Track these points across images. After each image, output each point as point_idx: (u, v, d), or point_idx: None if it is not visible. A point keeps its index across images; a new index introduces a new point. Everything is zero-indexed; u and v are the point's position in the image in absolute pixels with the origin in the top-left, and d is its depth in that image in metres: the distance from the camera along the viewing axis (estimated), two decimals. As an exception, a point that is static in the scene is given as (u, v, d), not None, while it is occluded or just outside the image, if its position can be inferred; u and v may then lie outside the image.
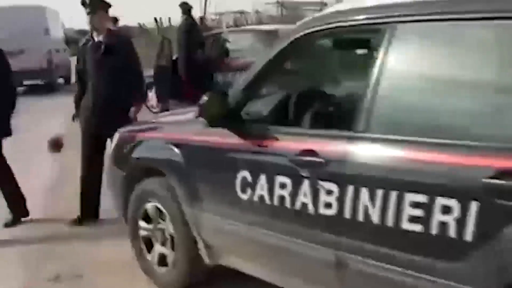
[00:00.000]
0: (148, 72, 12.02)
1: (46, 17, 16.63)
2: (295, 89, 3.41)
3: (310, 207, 2.89)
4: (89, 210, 5.42)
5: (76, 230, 5.26)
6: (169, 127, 3.98)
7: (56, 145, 5.55)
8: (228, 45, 11.24)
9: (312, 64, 3.87)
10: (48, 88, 15.84)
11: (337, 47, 3.50)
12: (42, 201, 6.11)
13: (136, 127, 4.39)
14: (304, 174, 2.91)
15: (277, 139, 3.11)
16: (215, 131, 3.38)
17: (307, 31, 3.08)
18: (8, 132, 5.34)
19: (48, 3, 17.44)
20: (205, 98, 3.22)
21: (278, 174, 3.04)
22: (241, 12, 29.24)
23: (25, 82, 15.57)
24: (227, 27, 14.18)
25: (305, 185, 2.91)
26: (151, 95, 11.70)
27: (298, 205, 2.95)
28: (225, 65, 10.98)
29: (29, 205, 5.55)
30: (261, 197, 3.13)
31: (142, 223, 4.08)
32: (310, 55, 3.51)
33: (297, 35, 3.11)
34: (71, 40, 18.88)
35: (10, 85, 5.33)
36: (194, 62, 10.85)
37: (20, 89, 15.70)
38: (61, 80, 17.71)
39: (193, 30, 11.07)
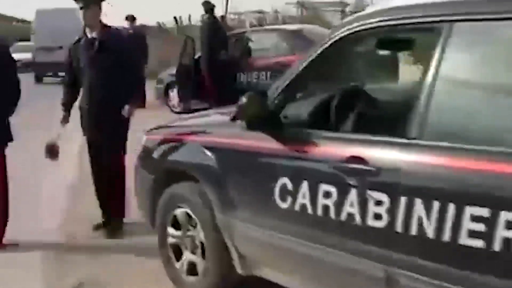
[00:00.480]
0: (169, 71, 11.91)
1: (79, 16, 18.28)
2: (338, 91, 3.20)
3: (358, 218, 2.70)
4: (109, 213, 5.18)
5: (100, 236, 5.09)
6: (201, 129, 3.79)
7: (51, 152, 5.11)
8: (251, 44, 11.06)
9: (357, 64, 3.65)
10: None
11: (386, 46, 3.30)
12: (65, 204, 5.96)
13: (165, 129, 4.21)
14: (351, 183, 2.72)
15: (320, 145, 2.92)
16: (253, 135, 3.18)
17: (352, 30, 2.88)
18: (9, 137, 4.83)
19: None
20: (244, 99, 3.03)
21: (322, 182, 2.84)
22: (260, 12, 29.09)
23: (60, 74, 17.76)
24: (251, 26, 13.96)
25: (352, 195, 2.72)
26: (173, 94, 11.58)
27: (343, 215, 2.76)
28: (248, 64, 10.79)
29: (51, 209, 5.36)
30: (303, 206, 2.93)
31: (170, 230, 3.90)
32: (355, 54, 3.31)
33: (341, 34, 2.92)
34: None
35: (11, 82, 4.78)
36: (217, 61, 10.68)
37: (58, 79, 17.88)
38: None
39: (216, 29, 10.89)
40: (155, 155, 4.02)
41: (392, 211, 2.55)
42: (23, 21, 48.50)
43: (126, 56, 5.00)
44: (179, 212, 3.81)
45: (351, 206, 2.73)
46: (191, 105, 11.46)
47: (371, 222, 2.64)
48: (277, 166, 3.10)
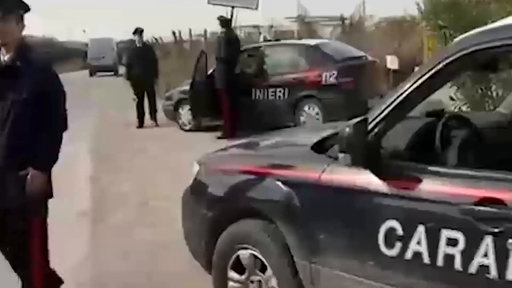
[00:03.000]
0: (179, 88, 11.47)
1: (113, 42, 37.47)
2: (458, 120, 2.76)
3: (494, 271, 2.28)
4: None
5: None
6: (272, 161, 3.33)
7: None
8: (266, 59, 10.64)
9: (482, 88, 3.23)
10: (113, 75, 33.96)
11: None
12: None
13: (224, 158, 3.76)
14: (485, 229, 2.30)
15: (438, 183, 2.50)
16: (349, 170, 2.74)
17: (476, 48, 2.46)
18: None
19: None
20: (348, 129, 2.58)
21: (445, 228, 2.42)
22: (255, 27, 28.76)
23: (99, 74, 35.20)
24: (265, 41, 13.49)
25: (487, 243, 2.30)
26: (183, 112, 11.11)
27: (474, 267, 2.34)
28: (264, 80, 10.37)
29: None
30: (417, 255, 2.51)
31: (232, 273, 3.44)
32: (480, 77, 2.89)
33: (462, 52, 2.49)
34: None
35: None
36: (234, 77, 10.25)
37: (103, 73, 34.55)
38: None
39: (233, 44, 10.45)
40: (213, 189, 3.57)
41: (543, 265, 2.15)
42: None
43: (42, 93, 3.39)
44: (243, 253, 3.36)
45: (485, 256, 2.31)
46: (202, 122, 11.04)
47: (513, 276, 2.23)
48: (382, 206, 2.66)
